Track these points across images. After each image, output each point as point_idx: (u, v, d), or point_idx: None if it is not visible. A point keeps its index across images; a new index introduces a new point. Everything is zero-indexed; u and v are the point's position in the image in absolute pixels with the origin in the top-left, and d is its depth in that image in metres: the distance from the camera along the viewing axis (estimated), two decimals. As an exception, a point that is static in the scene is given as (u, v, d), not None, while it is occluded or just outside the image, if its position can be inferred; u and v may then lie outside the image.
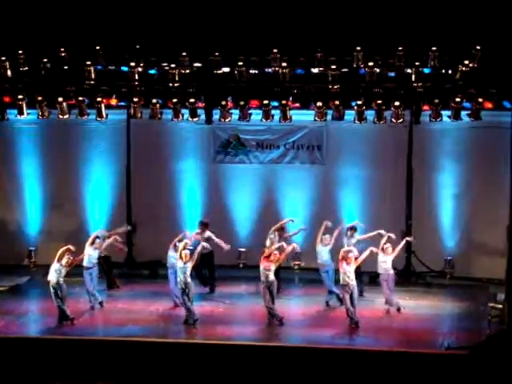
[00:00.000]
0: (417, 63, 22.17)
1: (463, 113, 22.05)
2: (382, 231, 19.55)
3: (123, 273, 22.40)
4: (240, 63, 22.76)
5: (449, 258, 22.63)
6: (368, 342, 17.14)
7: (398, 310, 19.13)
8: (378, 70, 22.42)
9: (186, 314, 18.01)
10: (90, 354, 16.38)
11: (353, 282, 17.95)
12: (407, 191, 22.28)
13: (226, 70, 23.08)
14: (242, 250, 23.35)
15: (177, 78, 23.01)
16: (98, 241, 19.65)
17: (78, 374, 16.08)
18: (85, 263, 19.22)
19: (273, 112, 22.82)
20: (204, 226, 20.76)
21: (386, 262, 19.06)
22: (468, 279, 22.14)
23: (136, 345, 16.66)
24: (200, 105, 23.15)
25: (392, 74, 22.64)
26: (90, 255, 19.32)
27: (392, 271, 19.15)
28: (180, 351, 16.45)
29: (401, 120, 22.26)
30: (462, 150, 22.55)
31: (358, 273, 18.74)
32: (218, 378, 16.07)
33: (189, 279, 17.87)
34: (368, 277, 20.30)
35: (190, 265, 17.93)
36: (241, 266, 23.31)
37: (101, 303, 19.33)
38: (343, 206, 23.08)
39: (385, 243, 19.13)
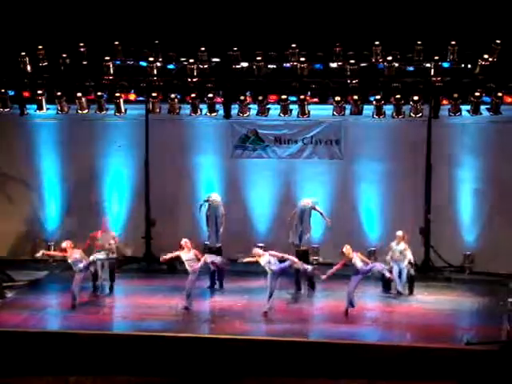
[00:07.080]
0: (436, 57, 22.13)
1: (483, 107, 21.99)
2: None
3: (141, 268, 22.43)
4: (258, 58, 22.79)
5: (468, 252, 22.53)
6: (387, 336, 17.11)
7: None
8: (396, 65, 22.41)
9: None
10: (109, 349, 16.43)
11: None
12: (426, 186, 22.18)
13: (245, 64, 23.11)
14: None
15: (195, 73, 23.07)
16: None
17: (96, 367, 16.13)
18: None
19: (291, 107, 22.84)
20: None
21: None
22: (487, 274, 22.03)
23: (155, 339, 16.69)
24: (218, 100, 23.19)
25: (411, 69, 22.62)
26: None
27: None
28: (199, 346, 16.47)
29: (420, 115, 22.22)
30: (481, 145, 22.44)
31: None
32: (235, 372, 16.09)
33: None
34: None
35: None
36: (259, 261, 23.29)
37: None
38: (362, 201, 23.05)
39: None
